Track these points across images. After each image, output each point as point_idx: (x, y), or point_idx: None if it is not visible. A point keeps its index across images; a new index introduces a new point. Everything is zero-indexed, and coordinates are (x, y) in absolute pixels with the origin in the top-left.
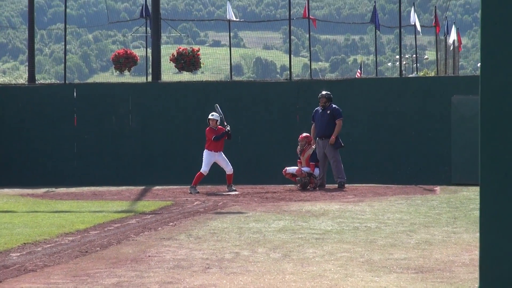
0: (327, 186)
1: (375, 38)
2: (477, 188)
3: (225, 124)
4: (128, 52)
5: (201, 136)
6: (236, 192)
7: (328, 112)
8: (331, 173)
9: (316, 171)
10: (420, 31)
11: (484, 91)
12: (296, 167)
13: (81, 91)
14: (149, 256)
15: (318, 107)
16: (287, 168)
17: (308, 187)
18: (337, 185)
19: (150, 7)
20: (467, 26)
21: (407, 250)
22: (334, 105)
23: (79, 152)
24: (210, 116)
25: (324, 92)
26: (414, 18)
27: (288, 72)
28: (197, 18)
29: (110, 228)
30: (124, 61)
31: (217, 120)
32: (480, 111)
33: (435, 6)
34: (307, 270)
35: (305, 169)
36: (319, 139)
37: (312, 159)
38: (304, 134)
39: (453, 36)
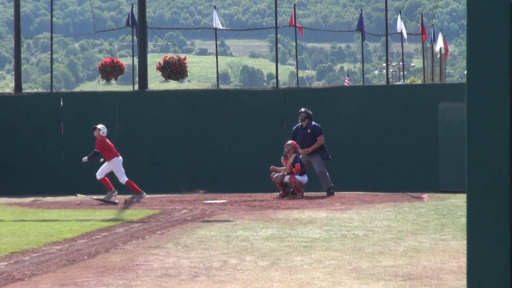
0: (315, 194)
1: (362, 46)
2: (465, 195)
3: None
4: (115, 60)
5: (188, 145)
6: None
7: (309, 130)
8: (319, 182)
9: (305, 178)
10: (406, 38)
11: (470, 98)
12: (282, 172)
13: (67, 100)
14: (137, 264)
15: (298, 124)
16: (275, 174)
17: (298, 195)
18: (326, 193)
19: (136, 16)
20: (453, 33)
21: (395, 257)
22: (314, 123)
23: (66, 160)
24: (101, 127)
25: (303, 109)
26: (400, 26)
27: (275, 80)
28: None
29: (97, 236)
30: (110, 70)
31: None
32: (467, 118)
33: (422, 14)
34: (295, 278)
35: (298, 177)
36: (302, 157)
37: (296, 162)
38: (292, 141)
39: (439, 43)
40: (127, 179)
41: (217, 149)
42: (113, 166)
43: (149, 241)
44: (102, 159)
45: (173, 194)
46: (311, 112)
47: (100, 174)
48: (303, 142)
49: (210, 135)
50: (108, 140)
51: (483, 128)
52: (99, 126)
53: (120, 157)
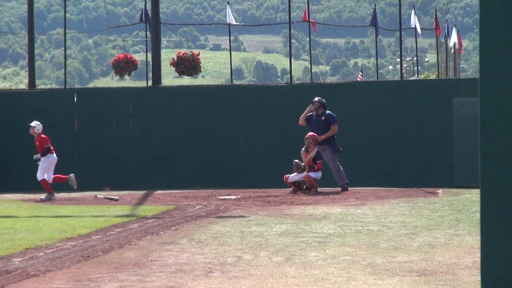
0: (330, 189)
1: (376, 41)
2: (479, 190)
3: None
4: (128, 56)
5: (202, 141)
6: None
7: (323, 118)
8: (333, 178)
9: (319, 174)
10: (420, 33)
11: (483, 93)
12: (297, 174)
13: (81, 96)
14: (151, 260)
15: (313, 113)
16: (289, 176)
17: (312, 191)
18: (340, 188)
19: (150, 12)
20: (468, 28)
21: (410, 253)
22: (328, 111)
23: (80, 156)
24: (34, 125)
25: (317, 98)
26: (414, 21)
27: (289, 75)
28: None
29: (112, 232)
30: (124, 66)
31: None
32: (480, 113)
33: (436, 9)
34: (310, 274)
35: (312, 174)
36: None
37: (317, 159)
38: (311, 133)
39: (454, 38)
40: (44, 177)
41: (231, 144)
42: (44, 162)
43: (163, 237)
44: (37, 156)
45: (187, 189)
46: (325, 101)
47: (48, 175)
48: (316, 129)
49: (224, 130)
50: (45, 136)
51: (496, 123)
52: (33, 123)
53: (55, 156)
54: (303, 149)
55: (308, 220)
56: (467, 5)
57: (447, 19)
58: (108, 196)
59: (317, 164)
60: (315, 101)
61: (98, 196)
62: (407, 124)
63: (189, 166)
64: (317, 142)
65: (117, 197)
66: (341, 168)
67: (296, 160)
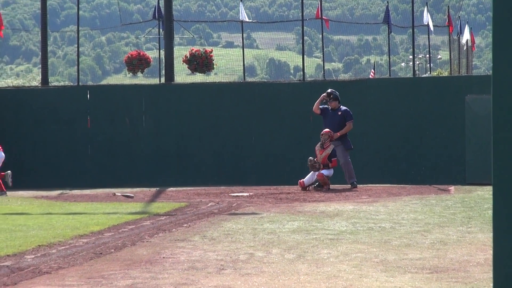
0: (341, 186)
1: (388, 38)
2: (491, 188)
3: None
4: (141, 53)
5: (215, 138)
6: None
7: (339, 113)
8: (342, 174)
9: (331, 171)
10: (433, 31)
11: (496, 90)
12: (312, 174)
13: (94, 93)
14: (163, 257)
15: (327, 106)
16: (304, 180)
17: (324, 188)
18: (350, 185)
19: (162, 9)
20: (480, 25)
21: (422, 250)
22: (344, 107)
23: (93, 153)
24: None
25: (330, 90)
26: (427, 18)
27: (302, 72)
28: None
29: (124, 229)
30: (137, 63)
31: None
32: (492, 110)
33: (448, 6)
34: (322, 271)
35: (325, 171)
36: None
37: (332, 156)
38: (327, 130)
39: (466, 35)
40: None
41: (243, 141)
42: None
43: (175, 234)
44: None
45: (199, 187)
46: (338, 94)
47: None
48: (331, 124)
49: (236, 127)
50: None
51: (509, 120)
52: None
53: (3, 154)
54: (318, 145)
55: (320, 217)
56: (480, 2)
57: (459, 16)
58: (125, 194)
59: (332, 162)
60: (328, 92)
61: (116, 194)
62: (419, 121)
63: (202, 163)
64: (333, 140)
65: (132, 195)
66: (351, 166)
67: (311, 158)
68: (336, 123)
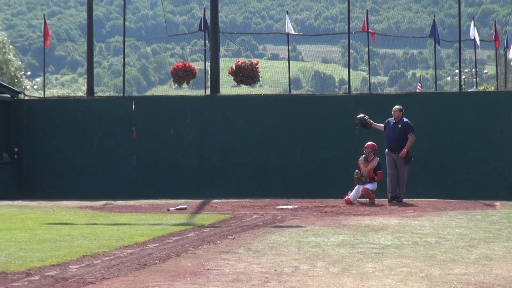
0: (382, 201)
1: (435, 52)
2: None
3: None
4: (187, 65)
5: (260, 150)
6: None
7: (400, 126)
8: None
9: (375, 185)
10: (479, 45)
11: None
12: (355, 191)
13: (139, 103)
14: (208, 269)
15: (390, 119)
16: (349, 196)
17: (369, 202)
18: (397, 198)
19: (208, 20)
20: None
21: (467, 265)
22: (405, 119)
23: (138, 164)
24: None
25: (397, 106)
26: (473, 32)
27: (347, 85)
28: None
29: (169, 241)
30: (182, 74)
31: None
32: None
33: (495, 20)
34: (367, 285)
35: (369, 186)
36: (390, 152)
37: (378, 169)
38: (370, 142)
39: None
40: None
41: (288, 154)
42: None
43: (220, 246)
44: None
45: (244, 199)
46: (402, 108)
47: None
48: (392, 136)
49: (281, 140)
50: None
51: None
52: None
53: None
54: (362, 158)
55: (365, 231)
56: None
57: (506, 31)
58: (178, 207)
59: (377, 175)
60: (396, 108)
61: (170, 209)
62: (465, 135)
63: (247, 175)
64: (376, 151)
65: (185, 206)
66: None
67: (357, 171)
68: (396, 135)
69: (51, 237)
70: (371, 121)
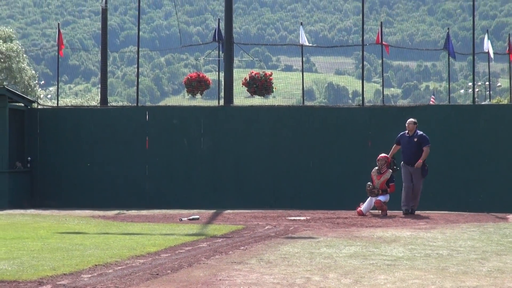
0: (395, 213)
1: (448, 65)
2: None
3: None
4: (201, 75)
5: (273, 161)
6: None
7: (415, 139)
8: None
9: (388, 197)
10: (493, 58)
11: None
12: (368, 203)
13: (153, 114)
14: (220, 279)
15: (405, 132)
16: (362, 208)
17: (382, 214)
18: (409, 210)
19: (222, 31)
20: None
21: (479, 277)
22: (420, 132)
23: (151, 174)
24: None
25: (411, 119)
26: (487, 45)
27: (361, 97)
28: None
29: (181, 251)
30: (196, 85)
31: None
32: None
33: (509, 34)
34: None
35: (382, 197)
36: (406, 165)
37: (390, 181)
38: (384, 154)
39: None
40: None
41: (301, 165)
42: None
43: (232, 256)
44: None
45: (256, 210)
46: (416, 120)
47: None
48: (407, 149)
49: (294, 151)
50: None
51: None
52: None
53: None
54: (375, 170)
55: (377, 243)
56: None
57: None
58: (191, 217)
59: (390, 187)
60: (410, 121)
61: (182, 219)
62: (478, 148)
63: (259, 186)
64: (389, 165)
65: (197, 216)
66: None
67: (369, 183)
68: (412, 149)
69: (63, 246)
70: (387, 155)
